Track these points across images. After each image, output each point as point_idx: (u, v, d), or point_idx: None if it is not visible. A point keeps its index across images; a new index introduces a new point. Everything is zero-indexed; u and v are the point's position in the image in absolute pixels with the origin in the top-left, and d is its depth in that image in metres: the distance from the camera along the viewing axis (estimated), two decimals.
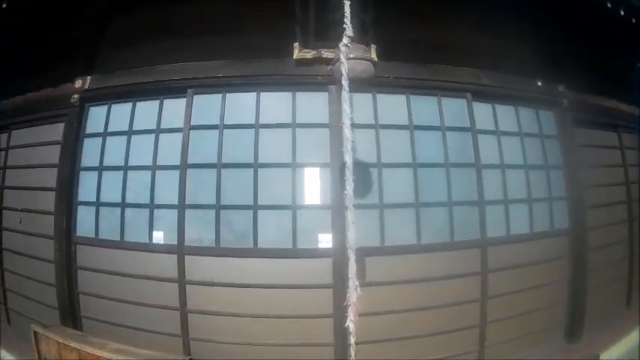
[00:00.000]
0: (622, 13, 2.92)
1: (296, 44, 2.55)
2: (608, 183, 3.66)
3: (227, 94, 2.63)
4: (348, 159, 1.85)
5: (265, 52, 2.57)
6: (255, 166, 2.52)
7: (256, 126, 2.57)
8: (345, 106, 1.90)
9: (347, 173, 1.84)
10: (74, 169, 2.97)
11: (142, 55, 2.82)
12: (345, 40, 1.94)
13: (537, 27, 3.10)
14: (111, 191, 2.83)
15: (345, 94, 1.90)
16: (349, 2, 2.00)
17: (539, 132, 3.12)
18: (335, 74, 2.05)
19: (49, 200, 3.10)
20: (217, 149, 2.57)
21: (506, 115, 2.98)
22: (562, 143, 3.18)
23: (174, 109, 2.70)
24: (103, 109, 2.92)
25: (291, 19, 2.57)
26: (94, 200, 2.89)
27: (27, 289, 3.31)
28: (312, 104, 2.58)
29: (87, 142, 2.97)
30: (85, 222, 2.92)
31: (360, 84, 2.04)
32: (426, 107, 2.71)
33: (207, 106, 2.64)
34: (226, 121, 2.59)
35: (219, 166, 2.56)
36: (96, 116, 2.95)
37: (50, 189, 3.10)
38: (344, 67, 1.91)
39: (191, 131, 2.62)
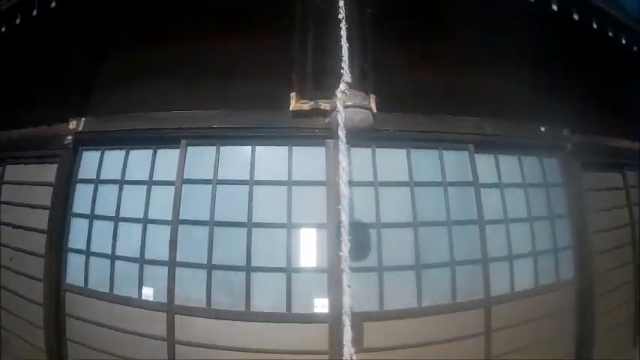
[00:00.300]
0: (623, 41, 2.76)
1: (293, 94, 2.40)
2: (613, 226, 3.50)
3: (221, 147, 2.49)
4: (345, 217, 1.67)
5: (261, 102, 2.42)
6: (249, 225, 2.36)
7: (250, 182, 2.41)
8: (342, 158, 1.71)
9: (343, 233, 1.67)
10: (65, 215, 2.84)
11: (137, 99, 2.69)
12: (342, 86, 1.78)
13: (538, 67, 2.95)
14: (102, 241, 2.69)
15: (342, 146, 1.70)
16: (347, 45, 1.84)
17: (544, 181, 2.96)
18: (332, 124, 1.89)
19: (40, 242, 2.97)
20: (210, 206, 2.42)
21: (510, 165, 2.82)
22: (566, 190, 3.02)
23: (167, 159, 2.56)
24: (97, 154, 2.79)
25: (289, 67, 2.43)
26: (85, 249, 2.75)
27: (17, 326, 3.17)
28: (309, 159, 2.43)
29: (79, 187, 2.84)
30: (75, 270, 2.78)
31: (357, 135, 1.89)
32: (426, 161, 2.56)
33: (200, 158, 2.50)
34: (220, 176, 2.44)
35: (211, 223, 2.41)
36: (89, 161, 2.82)
37: (41, 231, 2.97)
38: (341, 116, 1.74)
39: (184, 185, 2.48)
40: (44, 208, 2.97)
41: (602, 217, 3.32)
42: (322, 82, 2.33)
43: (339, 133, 1.73)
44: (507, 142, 2.79)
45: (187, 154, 2.49)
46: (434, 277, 2.43)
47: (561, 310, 2.86)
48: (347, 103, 1.81)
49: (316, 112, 2.36)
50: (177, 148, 2.50)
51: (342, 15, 1.98)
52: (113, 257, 2.61)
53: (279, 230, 2.36)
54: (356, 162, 2.34)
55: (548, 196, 2.92)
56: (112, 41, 2.85)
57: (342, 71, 1.79)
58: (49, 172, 3.04)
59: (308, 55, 2.40)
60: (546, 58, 2.98)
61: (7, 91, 3.43)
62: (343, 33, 1.91)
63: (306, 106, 2.37)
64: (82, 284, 2.73)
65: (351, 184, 2.33)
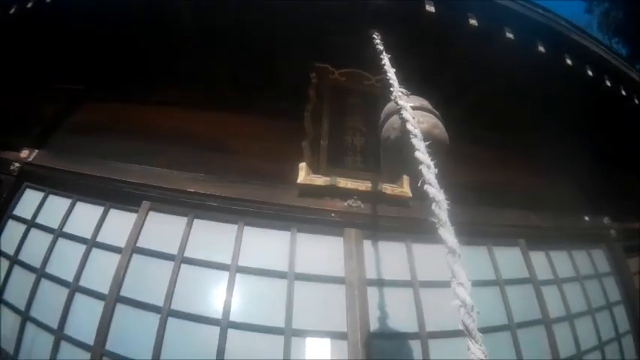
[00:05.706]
0: None
1: (302, 165, 1.68)
2: None
3: (195, 219, 1.73)
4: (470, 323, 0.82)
5: (258, 172, 1.70)
6: (224, 324, 1.53)
7: (231, 267, 1.63)
8: (435, 192, 0.80)
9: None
10: None
11: (105, 148, 1.97)
12: (402, 90, 1.18)
13: (580, 159, 2.57)
14: (16, 292, 1.84)
15: (426, 160, 0.87)
16: (394, 70, 1.26)
17: (595, 272, 2.43)
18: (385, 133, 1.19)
19: None
20: (167, 288, 1.60)
21: (561, 259, 2.28)
22: (617, 277, 2.52)
23: (120, 220, 1.78)
24: (39, 194, 2.02)
25: (298, 132, 1.74)
26: None
27: None
28: (320, 250, 1.67)
29: (10, 223, 2.03)
30: None
31: (436, 145, 1.04)
32: (475, 258, 1.88)
33: (164, 228, 1.73)
34: (187, 253, 1.66)
35: (165, 312, 1.57)
36: (29, 200, 2.04)
37: None
38: (409, 118, 1.02)
39: (134, 255, 1.68)
40: None
41: None
42: (340, 158, 1.63)
43: (411, 131, 0.97)
44: (556, 235, 2.28)
45: (147, 219, 1.72)
46: None
47: None
48: (411, 104, 1.13)
49: (332, 191, 1.65)
50: (136, 211, 1.74)
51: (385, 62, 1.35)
52: (25, 315, 1.74)
53: (274, 337, 1.51)
54: (388, 258, 1.67)
55: (602, 287, 2.42)
56: (95, 90, 2.23)
57: (388, 74, 1.24)
58: None
59: (323, 126, 1.74)
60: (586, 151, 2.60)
61: None
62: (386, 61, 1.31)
63: (320, 180, 1.65)
64: None
65: (383, 283, 1.63)
